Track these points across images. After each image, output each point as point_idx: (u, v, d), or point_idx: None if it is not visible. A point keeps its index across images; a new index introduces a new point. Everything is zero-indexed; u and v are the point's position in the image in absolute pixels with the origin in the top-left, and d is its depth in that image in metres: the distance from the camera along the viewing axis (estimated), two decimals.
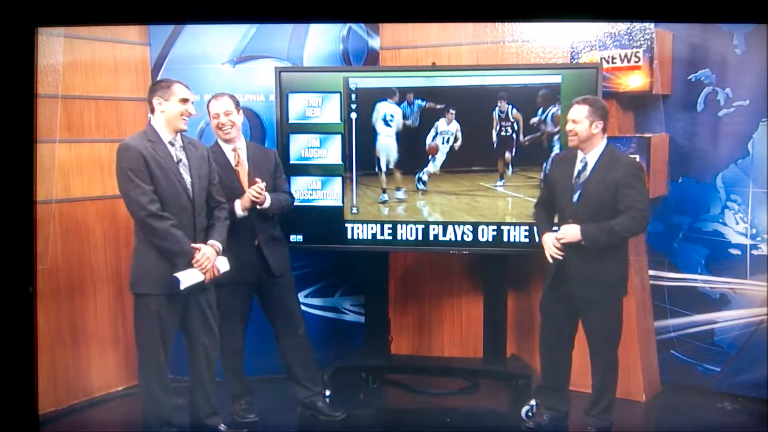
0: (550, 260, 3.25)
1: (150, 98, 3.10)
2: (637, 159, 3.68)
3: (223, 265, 3.16)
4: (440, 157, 3.76)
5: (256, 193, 3.36)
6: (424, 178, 3.79)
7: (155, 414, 3.16)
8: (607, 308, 3.23)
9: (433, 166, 3.78)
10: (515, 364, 3.99)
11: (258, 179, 3.41)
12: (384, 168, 3.81)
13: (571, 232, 3.17)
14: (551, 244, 3.24)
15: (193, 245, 3.07)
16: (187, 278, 3.03)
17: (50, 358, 3.64)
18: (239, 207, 3.38)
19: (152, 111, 3.10)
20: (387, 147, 3.80)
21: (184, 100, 3.10)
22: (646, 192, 3.22)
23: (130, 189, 3.00)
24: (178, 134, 3.13)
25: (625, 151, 3.71)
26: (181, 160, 3.11)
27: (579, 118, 3.17)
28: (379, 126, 3.79)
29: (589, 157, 3.21)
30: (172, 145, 3.10)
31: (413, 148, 3.78)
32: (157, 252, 3.04)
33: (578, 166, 3.24)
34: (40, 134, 3.33)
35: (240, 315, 3.50)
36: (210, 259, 3.10)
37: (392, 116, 3.78)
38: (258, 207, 3.40)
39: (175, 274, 3.02)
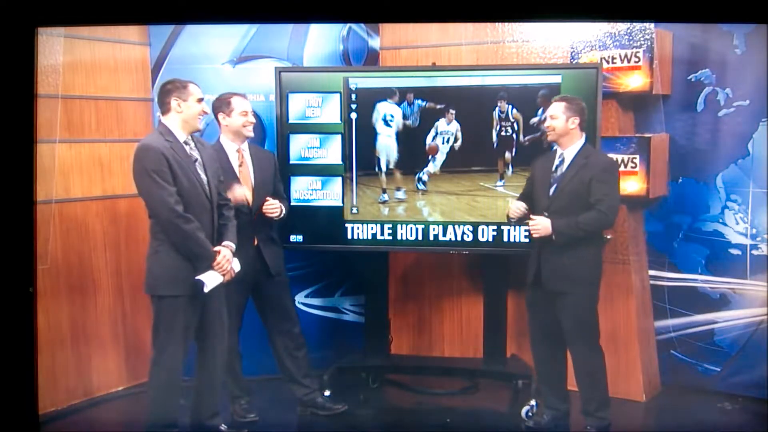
0: (511, 216, 3.39)
1: (165, 98, 3.05)
2: (637, 159, 3.69)
3: (237, 265, 3.16)
4: (440, 157, 3.76)
5: (272, 211, 3.47)
6: (424, 178, 3.79)
7: (162, 416, 3.13)
8: (579, 302, 3.25)
9: (433, 166, 3.78)
10: (515, 364, 3.99)
11: (269, 198, 3.49)
12: (384, 168, 3.81)
13: (543, 224, 3.24)
14: (515, 206, 3.36)
15: (214, 248, 3.07)
16: (210, 280, 3.03)
17: (50, 358, 3.64)
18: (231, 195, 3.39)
19: (166, 111, 3.06)
20: (387, 147, 3.80)
21: (200, 100, 3.09)
22: (617, 189, 3.27)
23: (154, 190, 2.94)
24: (190, 133, 3.12)
25: (625, 151, 3.71)
26: (197, 159, 3.09)
27: (556, 114, 3.27)
28: (379, 126, 3.79)
29: (566, 153, 3.29)
30: (187, 144, 3.08)
31: (413, 148, 3.78)
32: (178, 253, 3.01)
33: (556, 161, 3.31)
34: (40, 134, 3.33)
35: (236, 314, 3.49)
36: (230, 261, 3.10)
37: (392, 116, 3.78)
38: (275, 218, 3.50)
39: (197, 277, 3.00)
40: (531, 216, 3.31)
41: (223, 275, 3.08)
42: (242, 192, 3.43)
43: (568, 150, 3.28)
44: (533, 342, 3.46)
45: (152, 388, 3.14)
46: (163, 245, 3.02)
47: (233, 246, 3.15)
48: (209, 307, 3.13)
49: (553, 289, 3.27)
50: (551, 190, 3.28)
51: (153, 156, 2.95)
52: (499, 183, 3.73)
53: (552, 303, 3.30)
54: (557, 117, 3.26)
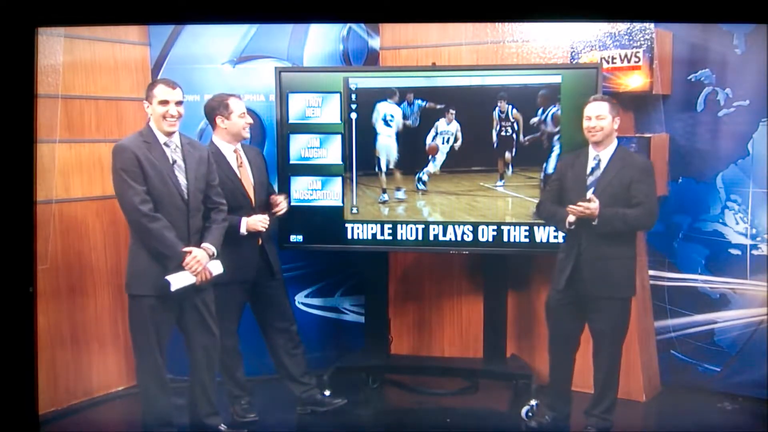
0: (573, 217, 3.19)
1: (144, 100, 3.12)
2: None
3: (216, 268, 3.15)
4: (440, 157, 3.76)
5: (281, 210, 3.55)
6: (424, 178, 3.79)
7: (154, 414, 3.16)
8: (619, 305, 3.25)
9: (433, 166, 3.78)
10: (515, 364, 3.99)
11: (277, 197, 3.57)
12: (384, 168, 3.81)
13: (591, 206, 3.14)
14: (573, 211, 3.18)
15: (184, 249, 3.06)
16: (178, 281, 3.03)
17: (50, 358, 3.64)
18: (244, 227, 3.41)
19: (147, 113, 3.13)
20: (387, 147, 3.80)
21: (164, 102, 3.06)
22: (655, 190, 3.28)
23: (123, 189, 3.01)
24: (174, 135, 3.12)
25: None
26: (176, 161, 3.10)
27: (603, 113, 3.22)
28: (379, 126, 3.79)
29: (602, 155, 3.25)
30: (167, 146, 3.09)
31: (413, 148, 3.78)
32: (149, 253, 3.04)
33: (591, 163, 3.27)
34: (40, 134, 3.33)
35: (236, 314, 3.51)
36: (201, 263, 3.09)
37: (392, 116, 3.78)
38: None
39: (166, 276, 3.02)
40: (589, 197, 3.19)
41: (196, 276, 3.08)
42: (255, 222, 3.44)
43: (605, 152, 3.24)
44: (553, 344, 3.43)
45: (141, 389, 3.20)
46: (135, 244, 3.08)
47: (212, 249, 3.14)
48: (188, 307, 3.14)
49: (595, 293, 3.23)
50: (589, 194, 3.23)
51: (124, 156, 3.01)
52: (499, 183, 3.73)
53: (585, 307, 3.28)
54: (605, 117, 3.21)
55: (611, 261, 3.21)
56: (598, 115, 3.22)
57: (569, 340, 3.37)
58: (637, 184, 3.17)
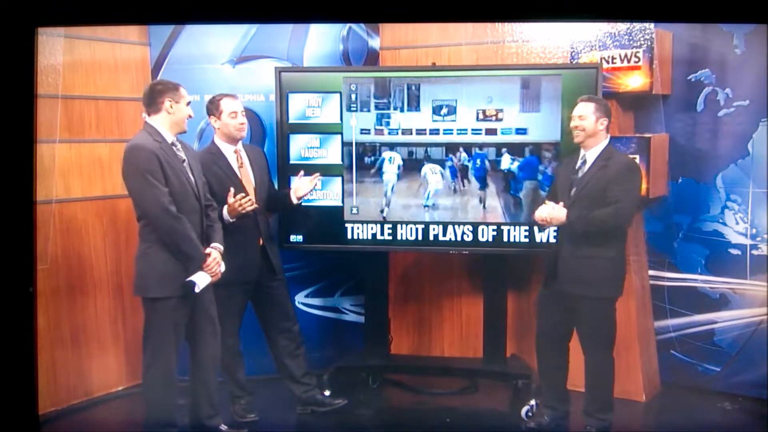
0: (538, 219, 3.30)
1: (158, 99, 3.03)
2: (637, 159, 3.68)
3: (222, 267, 3.17)
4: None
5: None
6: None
7: (159, 416, 3.14)
8: (596, 306, 3.23)
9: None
10: (515, 364, 3.99)
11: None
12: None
13: (558, 214, 3.21)
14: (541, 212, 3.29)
15: (205, 251, 3.08)
16: (201, 281, 3.04)
17: (50, 358, 3.64)
18: (226, 212, 3.35)
19: (156, 111, 3.04)
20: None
21: (188, 103, 3.09)
22: (635, 190, 3.23)
23: (147, 190, 2.94)
24: (176, 135, 3.11)
25: (625, 151, 3.71)
26: (185, 160, 3.09)
27: (586, 114, 3.23)
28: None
29: (588, 154, 3.26)
30: (174, 145, 3.08)
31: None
32: (168, 254, 3.01)
33: (578, 162, 3.29)
34: (40, 134, 3.32)
35: (238, 314, 3.51)
36: (219, 263, 3.11)
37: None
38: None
39: (190, 278, 3.01)
40: (545, 201, 3.29)
41: (212, 276, 3.09)
42: (233, 205, 3.35)
43: (591, 151, 3.25)
44: (539, 339, 3.45)
45: (148, 390, 3.16)
46: (152, 247, 3.01)
47: (221, 248, 3.15)
48: (198, 307, 3.13)
49: (568, 290, 3.25)
50: (572, 192, 3.25)
51: (145, 156, 2.95)
52: None
53: (564, 303, 3.29)
54: (587, 117, 3.22)
55: (587, 260, 3.20)
56: (581, 116, 3.24)
57: (556, 337, 3.36)
58: (612, 185, 3.16)
